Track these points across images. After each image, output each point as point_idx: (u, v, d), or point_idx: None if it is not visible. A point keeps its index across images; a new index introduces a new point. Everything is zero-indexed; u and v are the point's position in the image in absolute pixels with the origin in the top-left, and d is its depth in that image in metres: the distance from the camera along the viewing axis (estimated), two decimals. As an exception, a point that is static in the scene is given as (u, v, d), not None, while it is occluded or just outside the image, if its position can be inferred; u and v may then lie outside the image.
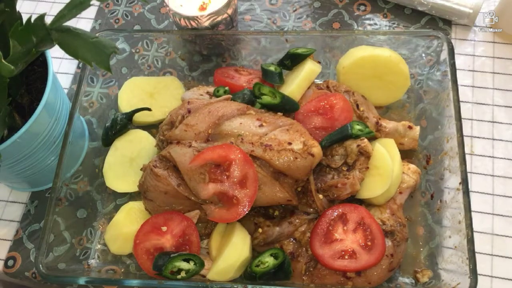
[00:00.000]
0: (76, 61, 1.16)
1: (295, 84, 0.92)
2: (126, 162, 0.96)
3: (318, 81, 0.98)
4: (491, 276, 0.87)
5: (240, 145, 0.80)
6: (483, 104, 1.01)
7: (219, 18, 1.01)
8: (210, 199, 0.80)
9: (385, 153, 0.85)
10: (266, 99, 0.89)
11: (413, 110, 0.99)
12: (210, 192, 0.79)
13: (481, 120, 1.00)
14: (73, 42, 0.71)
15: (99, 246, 0.92)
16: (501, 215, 0.91)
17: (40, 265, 0.81)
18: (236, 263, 0.80)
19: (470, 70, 1.05)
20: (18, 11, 0.78)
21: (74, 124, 0.91)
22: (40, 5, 1.26)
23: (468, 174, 0.91)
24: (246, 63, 1.06)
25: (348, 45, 0.97)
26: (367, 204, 0.87)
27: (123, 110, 1.01)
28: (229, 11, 1.01)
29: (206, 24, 1.01)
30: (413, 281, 0.84)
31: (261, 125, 0.83)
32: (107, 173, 0.96)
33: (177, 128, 0.86)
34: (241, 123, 0.84)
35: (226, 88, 0.96)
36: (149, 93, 1.03)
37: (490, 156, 0.96)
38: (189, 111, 0.88)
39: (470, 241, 0.76)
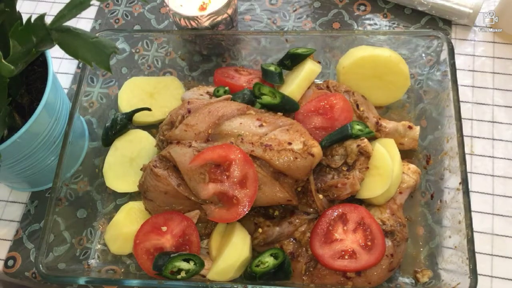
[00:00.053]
0: (76, 61, 1.16)
1: (295, 84, 0.92)
2: (126, 162, 0.96)
3: (318, 81, 0.98)
4: (491, 276, 0.87)
5: (240, 145, 0.80)
6: (483, 104, 1.01)
7: (219, 18, 1.01)
8: (210, 199, 0.80)
9: (385, 153, 0.85)
10: (266, 99, 0.89)
11: (413, 110, 0.99)
12: (210, 192, 0.79)
13: (481, 120, 1.00)
14: (73, 42, 0.71)
15: (99, 246, 0.92)
16: (501, 215, 0.91)
17: (40, 265, 0.81)
18: (236, 263, 0.80)
19: (470, 70, 1.05)
20: (18, 11, 0.78)
21: (74, 124, 0.91)
22: (40, 5, 1.26)
23: (468, 174, 0.91)
24: (246, 63, 1.06)
25: (348, 45, 0.97)
26: (367, 204, 0.87)
27: (123, 110, 1.01)
28: (229, 11, 1.01)
29: (206, 24, 1.01)
30: (413, 281, 0.84)
31: (261, 125, 0.83)
32: (107, 173, 0.96)
33: (177, 128, 0.86)
34: (241, 123, 0.84)
35: (226, 88, 0.96)
36: (149, 93, 1.03)
37: (490, 156, 0.96)
38: (189, 111, 0.88)
39: (470, 241, 0.76)
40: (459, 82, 0.95)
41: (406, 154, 0.93)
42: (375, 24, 1.12)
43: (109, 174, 0.96)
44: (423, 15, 1.11)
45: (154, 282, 0.79)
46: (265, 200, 0.80)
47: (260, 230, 0.83)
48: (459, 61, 1.05)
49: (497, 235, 0.90)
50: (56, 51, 0.78)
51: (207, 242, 0.87)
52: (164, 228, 0.83)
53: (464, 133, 0.96)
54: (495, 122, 0.99)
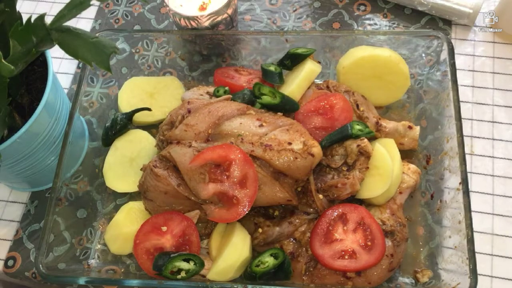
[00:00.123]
0: (76, 61, 1.16)
1: (295, 84, 0.92)
2: (126, 162, 0.96)
3: (318, 81, 0.98)
4: (491, 276, 0.87)
5: (240, 145, 0.80)
6: (483, 104, 1.01)
7: (219, 18, 1.01)
8: (210, 199, 0.80)
9: (385, 153, 0.85)
10: (266, 99, 0.89)
11: (413, 110, 0.99)
12: (210, 192, 0.79)
13: (481, 120, 1.00)
14: (73, 42, 0.71)
15: (99, 246, 0.92)
16: (501, 215, 0.91)
17: (40, 265, 0.81)
18: (236, 263, 0.80)
19: (470, 70, 1.05)
20: (18, 11, 0.78)
21: (74, 124, 0.91)
22: (40, 5, 1.26)
23: (468, 174, 0.91)
24: (246, 63, 1.06)
25: (348, 45, 0.97)
26: (367, 204, 0.87)
27: (123, 110, 1.01)
28: (229, 11, 1.01)
29: (206, 24, 1.01)
30: (413, 281, 0.84)
31: (261, 125, 0.83)
32: (107, 173, 0.96)
33: (177, 128, 0.86)
34: (241, 123, 0.84)
35: (226, 88, 0.96)
36: (149, 93, 1.03)
37: (490, 156, 0.96)
38: (189, 111, 0.88)
39: (470, 241, 0.76)
40: (459, 82, 0.96)
41: (406, 154, 0.93)
42: (375, 24, 1.12)
43: (109, 174, 0.96)
44: (423, 15, 1.11)
45: (154, 282, 0.79)
46: (265, 200, 0.80)
47: (260, 230, 0.83)
48: (459, 61, 1.05)
49: (497, 235, 0.90)
50: (56, 51, 0.78)
51: (207, 242, 0.87)
52: (164, 228, 0.83)
53: (464, 133, 0.96)
54: (495, 122, 0.99)
